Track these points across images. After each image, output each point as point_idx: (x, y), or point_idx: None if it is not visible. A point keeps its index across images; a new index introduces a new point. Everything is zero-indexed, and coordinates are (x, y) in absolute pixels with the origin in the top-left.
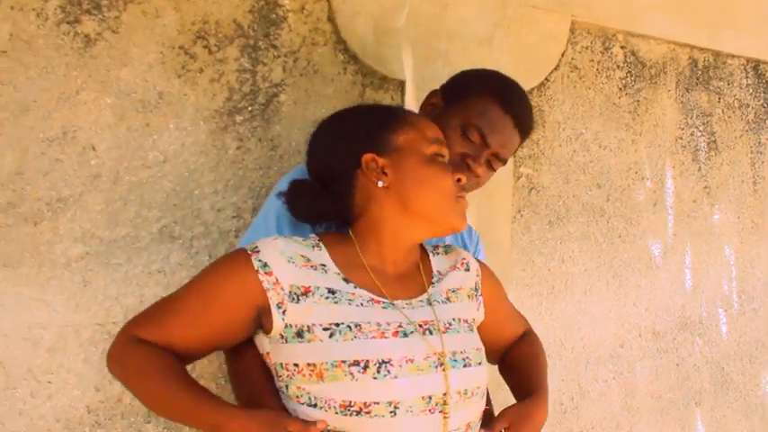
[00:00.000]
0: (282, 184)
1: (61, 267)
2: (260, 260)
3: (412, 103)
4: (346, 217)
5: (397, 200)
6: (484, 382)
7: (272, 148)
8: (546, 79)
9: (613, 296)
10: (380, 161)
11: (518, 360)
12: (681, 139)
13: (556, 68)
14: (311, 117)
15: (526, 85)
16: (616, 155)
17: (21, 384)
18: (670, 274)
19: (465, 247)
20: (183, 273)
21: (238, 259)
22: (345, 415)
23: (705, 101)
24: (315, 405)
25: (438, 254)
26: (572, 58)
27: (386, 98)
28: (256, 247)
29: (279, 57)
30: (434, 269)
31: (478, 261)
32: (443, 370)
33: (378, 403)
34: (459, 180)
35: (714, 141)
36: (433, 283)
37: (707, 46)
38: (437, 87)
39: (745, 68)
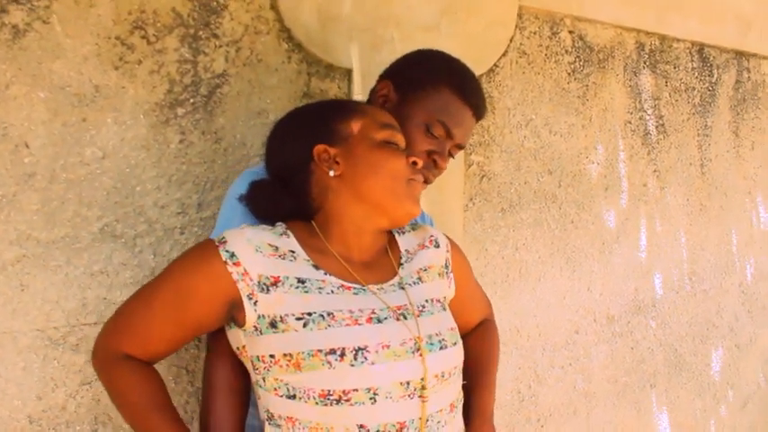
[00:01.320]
0: (235, 191)
1: None
2: (227, 251)
3: (359, 91)
4: (307, 211)
5: (350, 188)
6: (461, 362)
7: (216, 140)
8: (495, 65)
9: (567, 282)
10: (332, 151)
11: (470, 356)
12: (630, 123)
13: (504, 54)
14: (255, 108)
15: (475, 71)
16: (566, 140)
17: None
18: (623, 258)
19: None
20: (127, 273)
21: (206, 251)
22: (325, 405)
23: (652, 84)
24: (293, 396)
25: (404, 233)
26: (520, 44)
27: (332, 87)
28: (223, 237)
29: (221, 46)
30: (402, 248)
31: (447, 237)
32: (420, 354)
33: (357, 390)
34: (414, 163)
35: (662, 125)
36: (402, 264)
37: (653, 30)
38: (384, 73)
39: (690, 52)
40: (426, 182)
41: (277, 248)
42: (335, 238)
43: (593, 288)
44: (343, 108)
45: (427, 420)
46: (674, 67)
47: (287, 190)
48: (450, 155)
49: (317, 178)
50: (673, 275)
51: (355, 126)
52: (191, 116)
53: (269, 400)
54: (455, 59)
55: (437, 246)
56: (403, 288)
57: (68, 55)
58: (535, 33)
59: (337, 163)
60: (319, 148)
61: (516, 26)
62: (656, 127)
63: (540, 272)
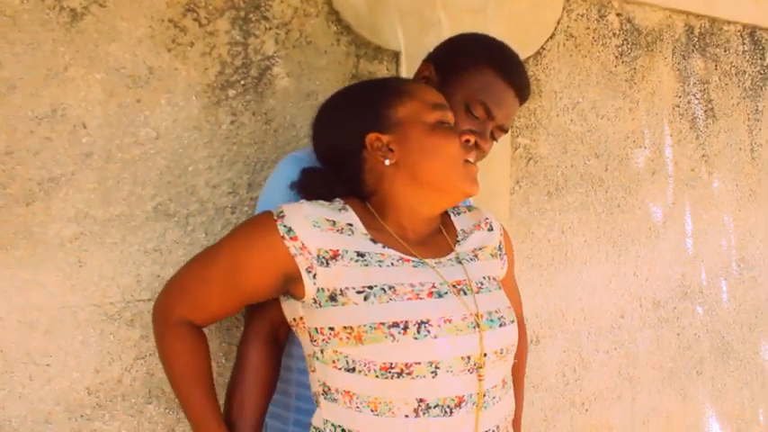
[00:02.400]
0: (278, 175)
1: (55, 248)
2: (285, 225)
3: (407, 73)
4: (360, 195)
5: (406, 174)
6: (516, 339)
7: (267, 122)
8: (542, 48)
9: (613, 266)
10: (385, 139)
11: None
12: (678, 107)
13: (551, 37)
14: (305, 90)
15: (522, 54)
16: (613, 124)
17: (19, 368)
18: (669, 244)
19: None
20: (180, 251)
21: (264, 225)
22: (386, 378)
23: (702, 68)
24: (353, 369)
25: (460, 213)
26: (567, 26)
27: (381, 69)
28: (282, 211)
29: (271, 29)
30: (458, 228)
31: (500, 224)
32: (480, 331)
33: (419, 363)
34: (467, 141)
35: (711, 109)
36: (458, 242)
37: (703, 12)
38: (427, 56)
39: (741, 35)
40: None
41: (335, 223)
42: (391, 220)
43: (640, 273)
44: (391, 91)
45: (484, 395)
46: (725, 51)
47: (339, 176)
48: (494, 137)
49: (370, 165)
50: (721, 261)
51: (405, 110)
52: (241, 97)
53: (327, 372)
54: (499, 42)
55: (491, 229)
56: (460, 263)
57: (123, 37)
58: (582, 16)
59: (391, 150)
60: (371, 137)
61: (563, 8)
62: (705, 111)
63: (586, 256)
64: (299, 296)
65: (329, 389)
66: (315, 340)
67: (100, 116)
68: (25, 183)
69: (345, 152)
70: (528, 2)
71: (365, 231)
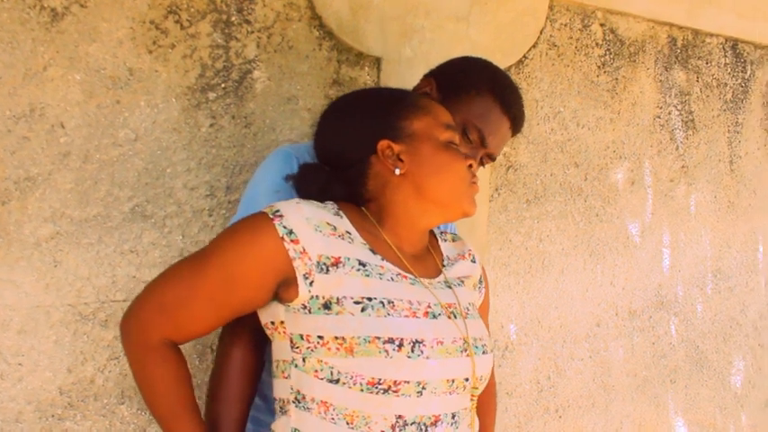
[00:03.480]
0: (268, 167)
1: (31, 248)
2: (284, 226)
3: (387, 80)
4: (357, 199)
5: (412, 186)
6: (492, 367)
7: (246, 125)
8: (524, 57)
9: (590, 275)
10: (396, 148)
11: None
12: (659, 117)
13: (534, 46)
14: (285, 94)
15: (504, 62)
16: (594, 133)
17: None
18: (647, 254)
19: None
20: (156, 252)
21: (260, 226)
22: (371, 392)
23: (683, 80)
24: (337, 381)
25: (446, 240)
26: (550, 36)
27: (362, 75)
28: (278, 210)
29: (252, 32)
30: (444, 254)
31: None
32: (468, 356)
33: (408, 382)
34: (470, 166)
35: (692, 120)
36: (444, 266)
37: (686, 24)
38: (429, 72)
39: (723, 47)
40: None
41: (335, 228)
42: (388, 229)
43: (616, 282)
44: (407, 104)
45: (455, 415)
46: (707, 63)
47: (339, 176)
48: (482, 163)
49: (375, 172)
50: (697, 272)
51: (420, 124)
52: (221, 101)
53: (304, 380)
54: (503, 72)
55: (473, 261)
56: (450, 287)
57: (104, 38)
58: (566, 25)
59: (401, 160)
60: (383, 143)
61: (547, 18)
62: (686, 123)
63: (564, 264)
64: (286, 300)
65: (303, 397)
66: (297, 347)
67: (78, 116)
68: (1, 182)
69: (353, 155)
70: (511, 10)
71: (363, 241)
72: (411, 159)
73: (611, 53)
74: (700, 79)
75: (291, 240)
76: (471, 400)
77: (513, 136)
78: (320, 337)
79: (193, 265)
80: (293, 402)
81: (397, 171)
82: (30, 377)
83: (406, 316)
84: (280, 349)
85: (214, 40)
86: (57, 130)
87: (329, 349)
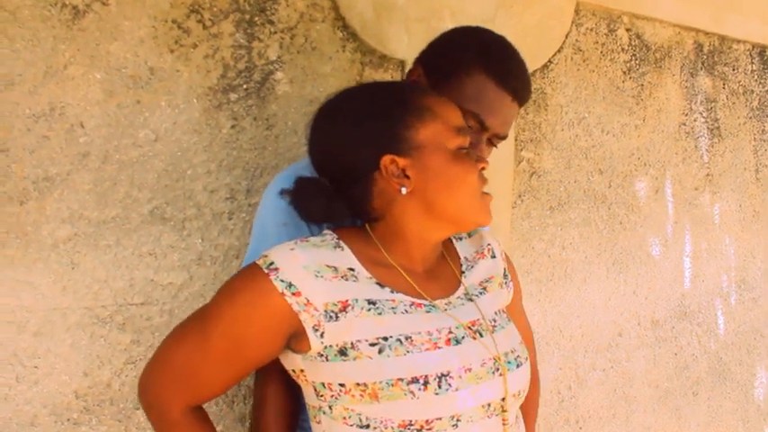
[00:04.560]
0: (270, 203)
1: (48, 249)
2: (282, 280)
3: None
4: (361, 217)
5: (421, 203)
6: (530, 376)
7: (268, 127)
8: (549, 61)
9: (613, 284)
10: (401, 162)
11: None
12: (684, 125)
13: (559, 50)
14: (308, 96)
15: (529, 66)
16: (619, 140)
17: (6, 369)
18: (670, 263)
19: None
20: (175, 255)
21: (257, 284)
22: None
23: (709, 86)
24: (367, 426)
25: (462, 239)
26: (576, 40)
27: (385, 77)
28: (272, 263)
29: (275, 33)
30: (461, 256)
31: (501, 245)
32: (500, 375)
33: (440, 419)
34: (482, 168)
35: (717, 128)
36: (463, 272)
37: (713, 30)
38: (418, 56)
39: (750, 54)
40: None
41: (336, 269)
42: (397, 250)
43: (639, 291)
44: (412, 109)
45: None
46: (733, 69)
47: (340, 193)
48: (493, 144)
49: (380, 189)
50: (721, 282)
51: (427, 132)
52: (243, 102)
53: (335, 427)
54: (493, 38)
55: (494, 256)
56: (471, 300)
57: (125, 37)
58: (592, 30)
59: (407, 176)
60: (387, 159)
61: (573, 22)
62: (711, 130)
63: (586, 272)
64: (300, 351)
65: None
66: (321, 395)
67: (98, 116)
68: (20, 181)
69: (354, 171)
70: (537, 14)
71: (369, 275)
72: (418, 175)
73: (636, 58)
74: (726, 86)
75: (293, 294)
76: (504, 423)
77: (521, 107)
78: (342, 385)
79: (197, 329)
80: None
81: (404, 190)
82: (46, 380)
83: (428, 349)
84: (308, 395)
85: (236, 41)
86: (76, 130)
87: (353, 396)
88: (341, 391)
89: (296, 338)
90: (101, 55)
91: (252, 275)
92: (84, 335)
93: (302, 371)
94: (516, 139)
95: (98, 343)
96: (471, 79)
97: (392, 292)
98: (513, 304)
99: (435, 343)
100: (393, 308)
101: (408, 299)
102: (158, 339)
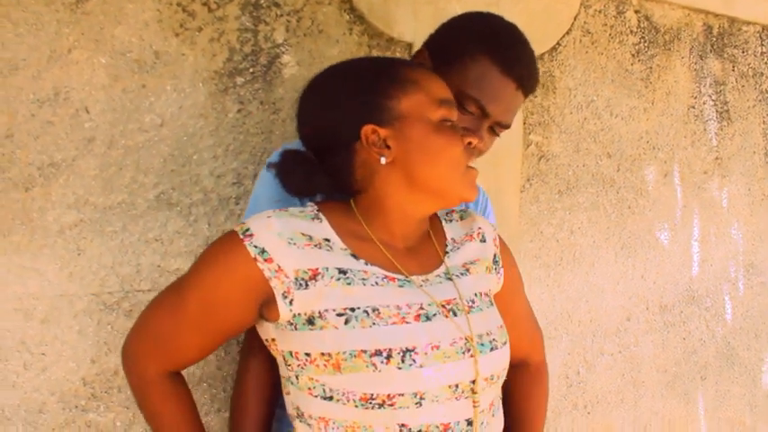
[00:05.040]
0: (264, 180)
1: (54, 235)
2: (255, 246)
3: None
4: (346, 190)
5: (402, 174)
6: (508, 362)
7: (275, 111)
8: (557, 44)
9: (621, 268)
10: (382, 132)
11: (519, 413)
12: (693, 108)
13: (568, 32)
14: None
15: (537, 49)
16: (627, 123)
17: (13, 356)
18: (679, 247)
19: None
20: (181, 241)
21: (232, 249)
22: (366, 408)
23: (719, 69)
24: (330, 398)
25: (452, 220)
26: (584, 22)
27: None
28: (248, 229)
29: (281, 16)
30: (448, 237)
31: (495, 231)
32: (471, 356)
33: (402, 395)
34: (469, 143)
35: (727, 111)
36: (447, 252)
37: (722, 12)
38: (426, 40)
39: (760, 36)
40: None
41: (311, 237)
42: (378, 225)
43: (648, 276)
44: (395, 79)
45: (471, 422)
46: (743, 52)
47: (324, 166)
48: (495, 133)
49: (362, 160)
50: (729, 266)
51: (410, 102)
52: (249, 86)
53: (300, 398)
54: (501, 24)
55: (483, 240)
56: (450, 279)
57: (130, 20)
58: (600, 12)
59: (388, 147)
60: (368, 128)
61: (581, 4)
62: (720, 113)
63: (595, 257)
64: (271, 319)
65: (302, 414)
66: (289, 364)
67: (103, 101)
68: (25, 167)
69: (336, 142)
70: None
71: (344, 246)
72: (399, 145)
73: (645, 41)
74: (735, 68)
75: (265, 260)
76: (474, 406)
77: (527, 96)
78: (307, 355)
79: (173, 295)
80: (297, 418)
81: (383, 160)
82: (53, 367)
83: (394, 323)
84: (280, 365)
85: (242, 24)
86: (81, 115)
87: (318, 366)
88: (306, 360)
89: (267, 306)
90: (105, 39)
91: (228, 241)
92: (91, 322)
93: (273, 340)
94: (525, 123)
95: (105, 330)
96: (475, 64)
97: (366, 264)
98: (510, 295)
99: (403, 318)
100: (364, 279)
101: (382, 272)
102: None
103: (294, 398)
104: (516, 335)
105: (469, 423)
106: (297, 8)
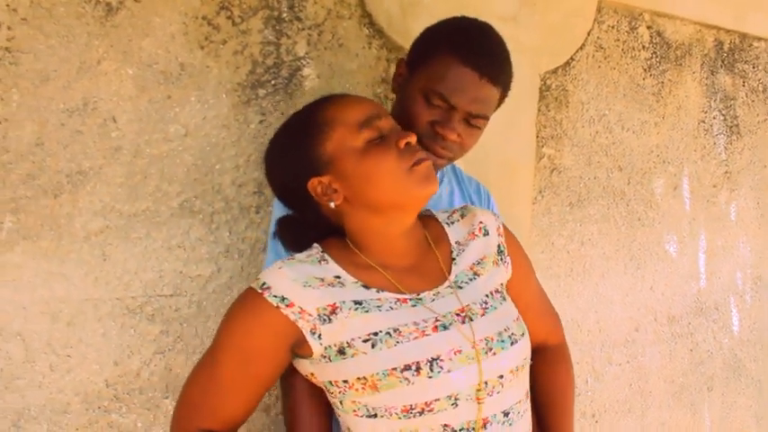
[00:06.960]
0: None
1: (81, 241)
2: (275, 296)
3: None
4: (334, 233)
5: (359, 205)
6: (530, 351)
7: None
8: (571, 58)
9: (630, 279)
10: (325, 180)
11: (543, 393)
12: (703, 122)
13: (581, 47)
14: (334, 92)
15: (552, 63)
16: (638, 137)
17: (40, 358)
18: (688, 259)
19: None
20: (203, 248)
21: (254, 303)
22: (409, 418)
23: (729, 84)
24: (375, 415)
25: (453, 222)
26: (598, 37)
27: None
28: (264, 283)
29: (303, 29)
30: (452, 241)
31: (498, 220)
32: (494, 354)
33: (438, 399)
34: (407, 144)
35: (737, 125)
36: (454, 259)
37: (733, 28)
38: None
39: None
40: (439, 155)
41: (323, 279)
42: (374, 252)
43: (656, 287)
44: (313, 126)
45: (508, 413)
46: (753, 67)
47: (308, 220)
48: (471, 124)
49: (325, 207)
50: (737, 279)
51: (332, 143)
52: (271, 97)
53: (349, 419)
54: (467, 21)
55: (486, 233)
56: (460, 287)
57: (157, 33)
58: (613, 27)
59: (335, 191)
60: (312, 183)
61: (595, 19)
62: (730, 128)
63: (604, 268)
64: (306, 355)
65: None
66: (331, 392)
67: (130, 111)
68: (54, 175)
69: (299, 202)
70: (559, 11)
71: (354, 279)
72: (342, 184)
73: (657, 56)
74: (746, 84)
75: (287, 305)
76: (478, 402)
77: (497, 85)
78: (345, 381)
79: (207, 362)
80: None
81: (332, 204)
82: (78, 369)
83: (416, 338)
84: (326, 393)
85: (265, 37)
86: (108, 125)
87: (357, 390)
88: (345, 386)
89: (299, 346)
90: (133, 51)
91: (249, 298)
92: (114, 325)
93: (312, 374)
94: (537, 136)
95: (128, 333)
96: (438, 61)
97: (378, 291)
98: (520, 281)
99: (423, 331)
100: (379, 306)
101: (393, 296)
102: (187, 330)
103: (344, 420)
104: (531, 319)
105: (506, 414)
106: (318, 22)
